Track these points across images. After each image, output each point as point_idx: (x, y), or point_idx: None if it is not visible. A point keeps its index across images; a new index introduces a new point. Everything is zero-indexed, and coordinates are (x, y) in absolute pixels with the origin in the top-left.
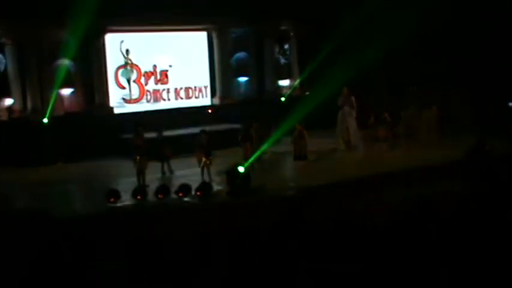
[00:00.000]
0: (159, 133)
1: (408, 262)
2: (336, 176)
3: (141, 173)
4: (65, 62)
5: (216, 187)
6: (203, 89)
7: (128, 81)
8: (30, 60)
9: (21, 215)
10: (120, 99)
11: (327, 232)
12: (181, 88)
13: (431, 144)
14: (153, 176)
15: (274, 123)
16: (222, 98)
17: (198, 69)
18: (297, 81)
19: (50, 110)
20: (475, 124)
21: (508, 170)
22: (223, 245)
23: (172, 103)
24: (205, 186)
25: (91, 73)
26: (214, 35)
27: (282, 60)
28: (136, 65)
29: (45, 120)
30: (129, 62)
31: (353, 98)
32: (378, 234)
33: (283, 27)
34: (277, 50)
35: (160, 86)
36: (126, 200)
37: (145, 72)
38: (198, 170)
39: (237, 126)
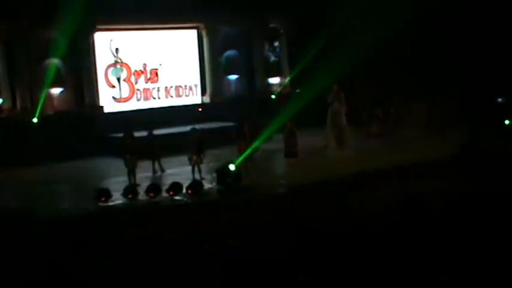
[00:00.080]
0: (150, 132)
1: (398, 259)
2: (327, 173)
3: (131, 172)
4: (55, 61)
5: (207, 185)
6: (193, 87)
7: (118, 80)
8: (19, 59)
9: (9, 215)
10: (110, 98)
11: (318, 230)
12: (171, 86)
13: (422, 140)
14: (144, 174)
15: (264, 121)
16: (212, 96)
17: (188, 68)
18: (287, 79)
19: (40, 109)
20: (464, 120)
21: (501, 164)
22: (214, 245)
23: (162, 102)
24: (196, 185)
25: (81, 72)
26: (204, 33)
27: (272, 58)
28: (126, 64)
29: (35, 119)
30: (119, 60)
31: (343, 95)
32: (368, 232)
33: (272, 25)
34: (267, 47)
35: (150, 85)
36: (117, 199)
37: (135, 70)
38: (189, 168)
39: (227, 124)
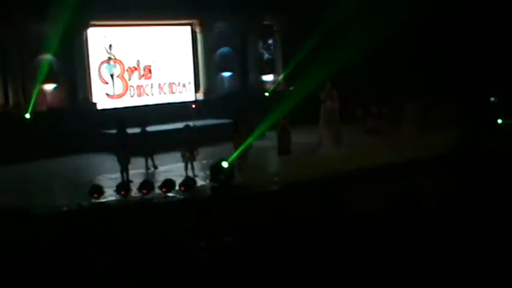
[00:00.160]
0: (143, 128)
1: (393, 257)
2: (320, 171)
3: (124, 169)
4: (48, 57)
5: (200, 182)
6: (187, 84)
7: (111, 76)
8: (12, 55)
9: (2, 212)
10: (103, 94)
11: (312, 227)
12: (164, 83)
13: (417, 139)
14: (137, 171)
15: (258, 118)
16: (205, 93)
17: (181, 65)
18: (281, 76)
19: (33, 106)
20: (460, 119)
21: (496, 163)
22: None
23: (155, 98)
24: (189, 182)
25: (74, 68)
26: (198, 30)
27: (266, 55)
28: (120, 60)
29: (28, 115)
30: (112, 57)
31: (335, 93)
32: (362, 230)
33: (266, 22)
34: (261, 45)
35: (143, 81)
36: (110, 195)
37: (129, 67)
38: (182, 165)
39: (221, 121)
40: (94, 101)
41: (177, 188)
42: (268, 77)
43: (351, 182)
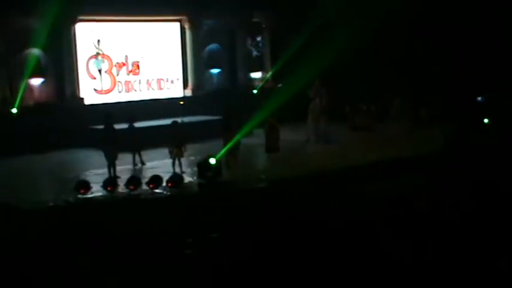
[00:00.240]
0: (131, 124)
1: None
2: (308, 168)
3: (112, 164)
4: (35, 52)
5: (187, 179)
6: (175, 81)
7: (99, 71)
8: None
9: None
10: (91, 89)
11: (299, 224)
12: (153, 79)
13: (406, 136)
14: (124, 167)
15: (246, 115)
16: (194, 89)
17: (170, 61)
18: (269, 73)
19: (20, 100)
20: (449, 117)
21: (485, 160)
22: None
23: (143, 94)
24: (176, 178)
25: (62, 63)
26: (186, 27)
27: (255, 53)
28: (108, 56)
29: (15, 110)
30: (101, 52)
31: (324, 90)
32: (351, 226)
33: (255, 20)
34: (249, 42)
35: (132, 77)
36: (97, 191)
37: (117, 62)
38: (170, 161)
39: (209, 118)
40: (82, 96)
41: (164, 184)
42: (256, 74)
43: (337, 180)
